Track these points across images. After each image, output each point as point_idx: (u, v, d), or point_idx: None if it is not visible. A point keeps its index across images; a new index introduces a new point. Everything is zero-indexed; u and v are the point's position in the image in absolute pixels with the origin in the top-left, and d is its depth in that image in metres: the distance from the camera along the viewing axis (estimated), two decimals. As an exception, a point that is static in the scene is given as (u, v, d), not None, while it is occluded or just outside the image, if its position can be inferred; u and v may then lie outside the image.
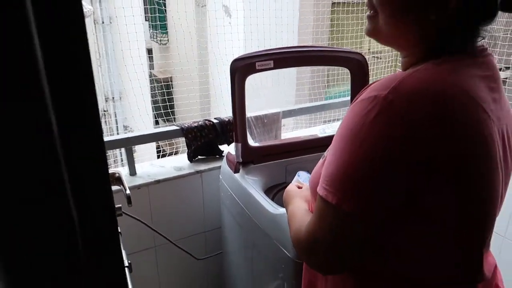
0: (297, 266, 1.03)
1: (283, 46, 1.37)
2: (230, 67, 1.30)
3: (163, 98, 5.86)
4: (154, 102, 6.17)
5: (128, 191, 0.98)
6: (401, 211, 0.62)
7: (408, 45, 0.67)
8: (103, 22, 4.79)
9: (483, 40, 0.65)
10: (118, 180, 1.04)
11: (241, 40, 5.40)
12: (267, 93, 5.06)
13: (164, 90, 6.57)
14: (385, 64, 7.01)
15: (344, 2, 6.65)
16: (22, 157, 0.28)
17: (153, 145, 4.72)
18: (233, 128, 1.36)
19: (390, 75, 0.63)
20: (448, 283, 0.71)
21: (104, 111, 5.78)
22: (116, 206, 1.01)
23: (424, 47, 0.65)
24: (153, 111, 5.77)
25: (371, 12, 0.67)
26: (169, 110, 4.28)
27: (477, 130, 0.59)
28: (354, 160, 0.59)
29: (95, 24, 4.73)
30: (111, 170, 1.08)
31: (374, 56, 7.31)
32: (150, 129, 3.09)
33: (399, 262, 0.69)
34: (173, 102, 5.87)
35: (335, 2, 6.66)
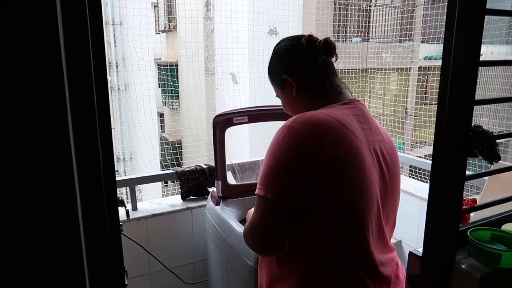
0: (256, 272, 1.31)
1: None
2: (213, 121, 1.67)
3: (171, 158, 6.26)
4: (164, 161, 6.56)
5: (127, 208, 1.31)
6: (309, 200, 0.93)
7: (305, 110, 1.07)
8: (119, 89, 5.33)
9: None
10: (122, 202, 1.37)
11: (247, 103, 5.91)
12: (253, 143, 5.50)
13: (171, 151, 7.00)
14: (386, 124, 7.44)
15: (343, 70, 7.31)
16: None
17: (159, 184, 5.07)
18: (215, 168, 1.70)
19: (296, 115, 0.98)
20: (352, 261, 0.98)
21: (115, 170, 6.17)
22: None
23: (310, 106, 1.05)
24: (161, 170, 6.14)
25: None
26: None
27: (345, 143, 0.93)
28: (273, 164, 0.94)
29: (111, 90, 5.28)
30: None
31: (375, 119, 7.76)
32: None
33: (316, 240, 0.96)
34: (180, 161, 6.26)
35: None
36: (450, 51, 0.86)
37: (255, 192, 0.96)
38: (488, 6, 0.87)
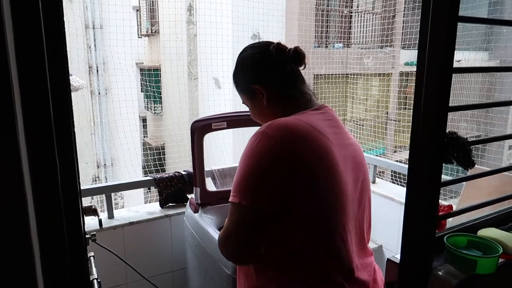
0: (234, 281, 1.28)
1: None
2: (191, 127, 1.65)
3: (155, 163, 6.17)
4: (147, 167, 6.48)
5: (100, 217, 1.26)
6: (285, 206, 0.91)
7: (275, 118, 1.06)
8: (99, 93, 5.25)
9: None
10: (94, 211, 1.32)
11: (230, 108, 5.90)
12: (237, 148, 5.50)
13: (154, 156, 6.91)
14: (368, 129, 7.54)
15: (325, 75, 7.37)
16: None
17: (141, 190, 5.00)
18: (193, 175, 1.67)
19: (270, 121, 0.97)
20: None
21: (96, 177, 6.06)
22: (91, 233, 1.27)
23: (281, 114, 1.03)
24: (144, 175, 6.06)
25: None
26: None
27: (319, 148, 0.92)
28: (246, 171, 0.91)
29: (91, 94, 5.19)
30: (88, 204, 1.36)
31: (356, 124, 7.88)
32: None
33: (293, 245, 0.95)
34: (164, 167, 6.19)
35: (317, 75, 7.37)
36: (424, 58, 0.86)
37: (229, 200, 0.94)
38: (463, 13, 0.88)
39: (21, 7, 0.49)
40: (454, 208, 1.29)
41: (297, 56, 1.03)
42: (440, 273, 0.99)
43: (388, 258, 1.10)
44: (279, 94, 1.04)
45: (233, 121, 1.71)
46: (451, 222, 1.24)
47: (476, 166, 1.12)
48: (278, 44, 1.06)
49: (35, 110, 0.52)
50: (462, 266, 0.97)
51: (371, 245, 2.03)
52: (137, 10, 8.75)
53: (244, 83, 1.08)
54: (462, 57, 6.56)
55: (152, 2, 8.18)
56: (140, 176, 5.91)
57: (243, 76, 1.09)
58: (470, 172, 1.27)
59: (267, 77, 1.05)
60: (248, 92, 1.08)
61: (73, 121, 0.70)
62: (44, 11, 0.52)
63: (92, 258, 1.24)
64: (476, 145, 1.04)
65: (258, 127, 0.97)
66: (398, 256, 1.04)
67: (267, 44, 1.06)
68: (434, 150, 0.91)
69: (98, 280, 1.16)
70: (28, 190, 0.50)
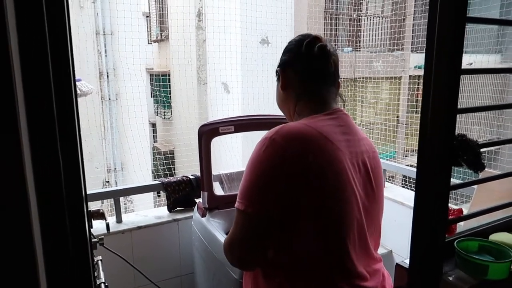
0: (241, 286, 1.27)
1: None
2: (198, 131, 1.65)
3: (164, 168, 6.20)
4: (156, 171, 6.51)
5: (107, 221, 1.27)
6: (290, 213, 0.90)
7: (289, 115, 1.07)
8: (109, 99, 5.30)
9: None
10: (102, 215, 1.32)
11: (239, 113, 5.92)
12: (246, 152, 5.50)
13: (164, 161, 6.94)
14: (378, 133, 7.48)
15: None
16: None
17: (150, 195, 5.02)
18: (201, 179, 1.67)
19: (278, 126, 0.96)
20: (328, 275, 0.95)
21: (106, 181, 6.11)
22: (99, 236, 1.27)
23: (293, 105, 1.03)
24: (153, 180, 6.08)
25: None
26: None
27: (327, 156, 0.91)
28: (252, 178, 0.91)
29: (101, 100, 5.25)
30: (96, 208, 1.37)
31: (366, 128, 7.83)
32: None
33: (299, 252, 0.94)
34: (173, 171, 6.21)
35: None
36: (432, 59, 0.85)
37: (235, 206, 0.93)
38: (474, 15, 0.86)
39: (25, 10, 0.49)
40: (465, 212, 1.27)
41: (322, 54, 1.02)
42: (450, 278, 0.97)
43: (397, 263, 1.08)
44: (295, 85, 1.04)
45: (240, 125, 1.70)
46: (462, 226, 1.22)
47: (487, 169, 1.10)
48: (315, 37, 1.04)
49: (39, 114, 0.52)
50: (473, 271, 0.95)
51: (381, 250, 2.01)
52: (147, 17, 8.85)
53: (277, 66, 1.10)
54: (474, 60, 6.48)
55: (162, 8, 8.26)
56: (149, 181, 5.93)
57: (280, 58, 1.10)
58: (481, 175, 1.25)
59: (290, 64, 1.05)
60: (276, 75, 1.11)
61: (78, 125, 0.70)
62: (48, 15, 0.52)
63: (100, 262, 1.24)
64: (488, 148, 1.02)
65: (266, 131, 0.96)
66: (408, 261, 1.03)
67: (307, 36, 1.05)
68: (443, 152, 0.89)
69: (106, 284, 1.16)
70: (32, 194, 0.50)
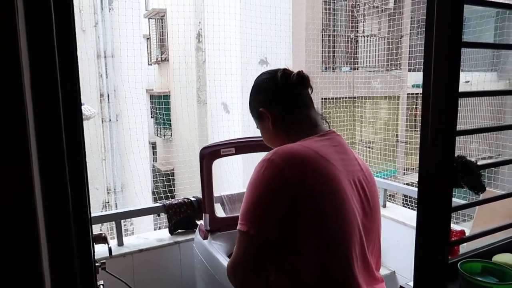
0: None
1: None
2: (199, 153, 1.66)
3: (164, 189, 6.18)
4: (157, 193, 6.50)
5: (110, 245, 1.27)
6: (292, 234, 0.90)
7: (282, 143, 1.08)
8: (110, 120, 5.33)
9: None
10: (104, 239, 1.32)
11: (240, 133, 5.94)
12: (247, 173, 5.50)
13: (164, 181, 6.93)
14: (377, 152, 7.50)
15: (333, 98, 7.41)
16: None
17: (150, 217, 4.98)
18: (202, 201, 1.67)
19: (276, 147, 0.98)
20: None
21: (106, 202, 6.08)
22: (101, 261, 1.27)
23: (286, 138, 1.05)
24: (153, 201, 6.06)
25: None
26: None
27: (326, 175, 0.92)
28: (253, 199, 0.92)
29: (102, 121, 5.28)
30: (99, 232, 1.37)
31: (365, 146, 7.85)
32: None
33: (302, 273, 0.94)
34: (174, 193, 6.19)
35: (325, 98, 7.42)
36: (430, 84, 0.87)
37: (237, 227, 0.94)
38: (470, 37, 0.89)
39: (36, 36, 0.51)
40: (468, 232, 1.27)
41: (300, 80, 1.06)
42: (454, 301, 0.96)
43: (400, 286, 1.08)
44: (283, 117, 1.06)
45: (241, 147, 1.72)
46: (465, 247, 1.21)
47: (488, 189, 1.11)
48: (284, 69, 1.08)
49: (48, 139, 0.54)
50: (478, 293, 0.94)
51: (383, 271, 1.99)
52: (148, 39, 8.99)
53: (254, 107, 1.11)
54: (470, 78, 6.56)
55: (162, 30, 8.40)
56: (149, 201, 5.91)
57: (254, 100, 1.12)
58: (482, 196, 1.26)
59: (272, 101, 1.07)
60: (257, 116, 1.11)
61: (84, 151, 0.72)
62: (58, 42, 0.54)
63: (101, 286, 1.24)
64: (487, 168, 1.03)
65: (266, 152, 0.98)
66: (411, 284, 1.02)
67: (278, 70, 1.09)
68: (443, 175, 0.90)
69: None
70: (40, 217, 0.51)
